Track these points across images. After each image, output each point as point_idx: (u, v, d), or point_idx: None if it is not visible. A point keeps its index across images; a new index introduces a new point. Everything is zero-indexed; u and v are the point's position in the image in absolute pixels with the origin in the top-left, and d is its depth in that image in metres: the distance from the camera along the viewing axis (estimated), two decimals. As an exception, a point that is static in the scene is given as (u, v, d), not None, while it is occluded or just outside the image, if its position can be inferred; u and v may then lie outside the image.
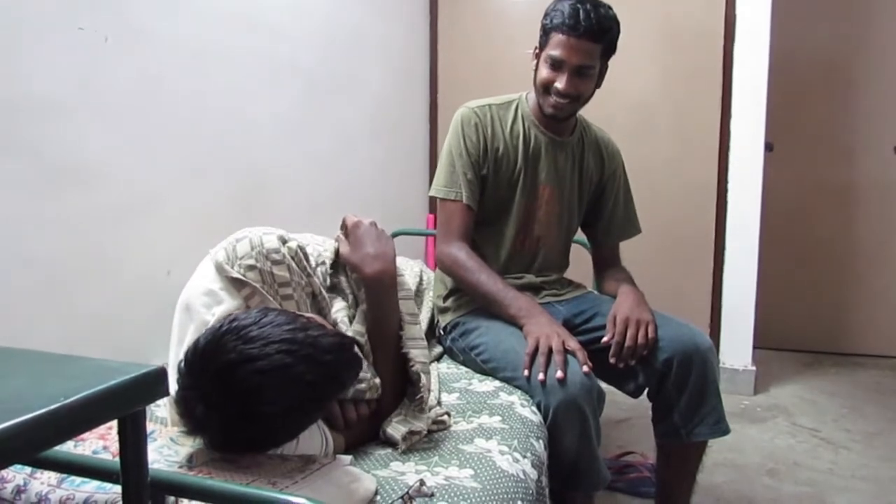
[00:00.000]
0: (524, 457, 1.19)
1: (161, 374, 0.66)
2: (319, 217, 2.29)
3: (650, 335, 1.55)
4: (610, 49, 1.63)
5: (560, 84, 1.61)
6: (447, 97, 3.28)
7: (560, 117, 1.69)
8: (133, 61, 1.54)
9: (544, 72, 1.64)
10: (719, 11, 2.89)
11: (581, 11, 1.54)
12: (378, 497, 0.98)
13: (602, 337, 1.58)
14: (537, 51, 1.68)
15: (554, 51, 1.59)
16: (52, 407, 0.55)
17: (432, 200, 3.30)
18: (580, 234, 1.95)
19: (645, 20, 2.98)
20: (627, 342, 1.54)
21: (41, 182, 1.35)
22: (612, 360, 1.55)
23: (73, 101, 1.40)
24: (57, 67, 1.37)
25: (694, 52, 2.96)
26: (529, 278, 1.78)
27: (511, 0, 3.14)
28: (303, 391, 0.92)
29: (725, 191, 2.95)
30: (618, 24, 1.63)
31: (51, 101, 1.36)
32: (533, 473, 1.18)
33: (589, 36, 1.55)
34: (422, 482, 1.00)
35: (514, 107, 1.76)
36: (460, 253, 1.66)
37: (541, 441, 1.29)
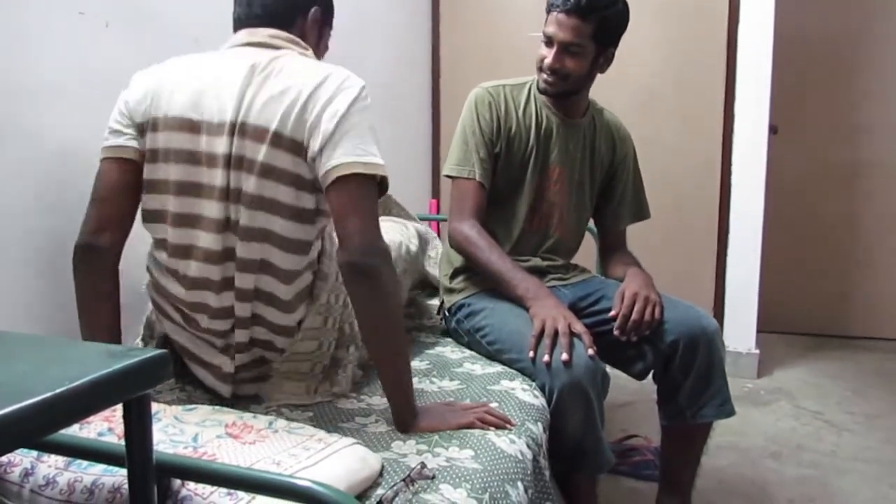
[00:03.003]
0: (520, 437, 1.20)
1: (164, 358, 0.67)
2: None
3: (656, 315, 1.57)
4: (604, 31, 1.63)
5: (548, 59, 1.65)
6: (449, 81, 3.27)
7: (550, 93, 1.72)
8: (135, 45, 1.53)
9: (540, 48, 1.69)
10: (724, -8, 2.87)
11: None
12: (380, 478, 0.98)
13: (608, 320, 1.59)
14: None
15: (547, 28, 1.65)
16: (56, 391, 0.55)
17: (435, 185, 3.30)
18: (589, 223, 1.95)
19: (648, 2, 2.95)
20: (634, 316, 1.55)
21: (43, 166, 1.34)
22: (615, 333, 1.57)
23: (75, 86, 1.39)
24: (58, 52, 1.37)
25: (697, 33, 2.94)
26: (535, 261, 1.78)
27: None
28: None
29: (729, 173, 2.94)
30: (618, 8, 1.64)
31: (52, 85, 1.35)
32: (529, 453, 1.18)
33: (576, 13, 1.59)
34: (423, 464, 1.00)
35: (527, 88, 1.79)
36: (472, 231, 1.67)
37: (539, 424, 1.28)
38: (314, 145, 1.12)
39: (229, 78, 1.15)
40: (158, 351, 0.67)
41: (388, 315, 1.15)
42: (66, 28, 1.39)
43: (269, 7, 1.25)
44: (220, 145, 1.14)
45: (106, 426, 0.99)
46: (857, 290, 3.62)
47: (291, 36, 1.25)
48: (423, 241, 1.72)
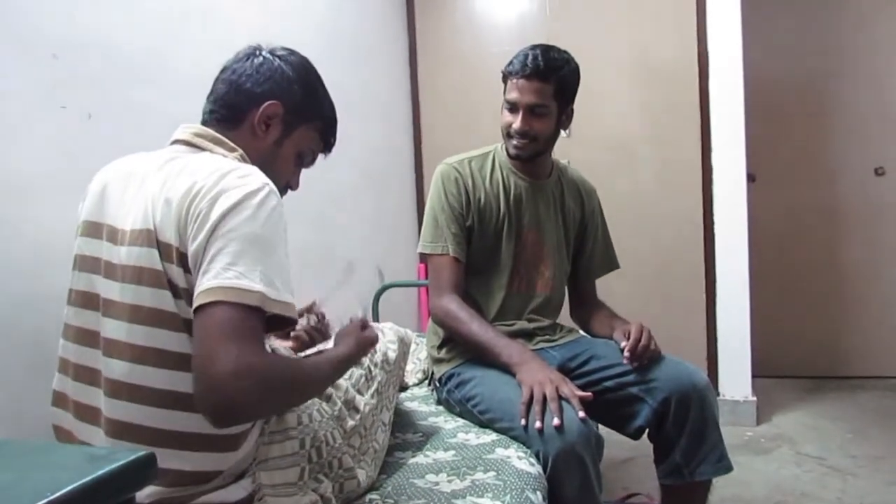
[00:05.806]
0: (519, 509, 1.18)
1: (150, 459, 0.66)
2: (308, 273, 2.28)
3: (657, 346, 1.62)
4: (563, 90, 1.70)
5: (516, 124, 1.70)
6: (431, 148, 3.33)
7: (523, 157, 1.76)
8: (116, 136, 1.56)
9: (504, 116, 1.75)
10: (692, 49, 2.96)
11: (530, 56, 1.66)
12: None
13: (599, 380, 1.62)
14: None
15: (509, 95, 1.71)
16: (39, 504, 0.55)
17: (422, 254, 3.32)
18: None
19: (620, 61, 3.05)
20: (643, 342, 1.58)
21: (28, 260, 1.35)
22: (625, 356, 1.58)
23: (58, 178, 1.41)
24: (41, 145, 1.39)
25: (670, 90, 3.02)
26: (521, 324, 1.79)
27: (488, 51, 3.20)
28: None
29: (712, 224, 2.98)
30: (572, 66, 1.72)
31: (35, 178, 1.37)
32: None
33: (536, 76, 1.66)
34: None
35: (490, 158, 1.84)
36: (451, 305, 1.68)
37: (538, 493, 1.27)
38: (189, 258, 0.95)
39: (131, 180, 1.04)
40: (143, 452, 0.66)
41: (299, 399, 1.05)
42: (48, 122, 1.41)
43: (221, 100, 1.14)
44: (115, 255, 1.02)
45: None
46: (849, 328, 3.64)
47: (218, 136, 1.10)
48: (404, 345, 1.62)
